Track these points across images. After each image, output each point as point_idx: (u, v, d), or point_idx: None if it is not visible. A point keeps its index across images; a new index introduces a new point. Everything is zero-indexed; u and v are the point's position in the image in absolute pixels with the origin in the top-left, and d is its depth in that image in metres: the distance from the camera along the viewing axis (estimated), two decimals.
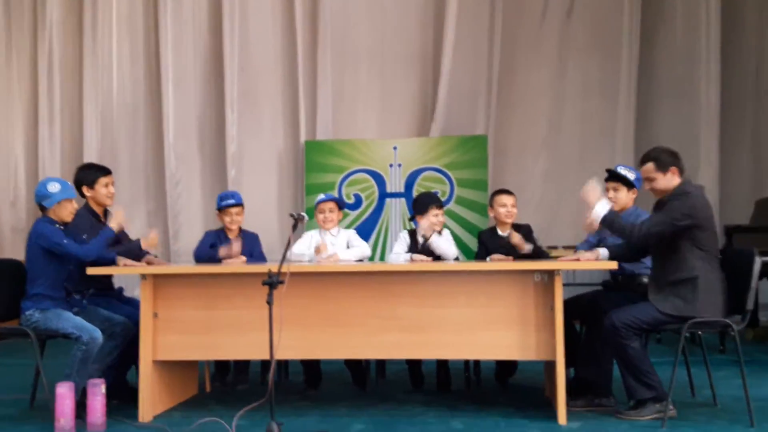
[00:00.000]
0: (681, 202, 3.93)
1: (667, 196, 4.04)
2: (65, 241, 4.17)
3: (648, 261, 4.37)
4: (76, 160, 8.28)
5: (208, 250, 5.07)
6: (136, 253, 4.64)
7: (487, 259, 4.79)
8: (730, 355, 5.80)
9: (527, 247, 4.71)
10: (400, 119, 8.34)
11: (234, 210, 5.16)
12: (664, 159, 4.07)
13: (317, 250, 4.94)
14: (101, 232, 4.32)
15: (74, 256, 4.20)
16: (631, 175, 4.52)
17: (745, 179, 7.97)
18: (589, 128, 8.20)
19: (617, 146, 8.03)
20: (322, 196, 5.20)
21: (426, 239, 4.89)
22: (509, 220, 4.95)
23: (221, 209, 5.20)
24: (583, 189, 4.15)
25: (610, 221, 4.04)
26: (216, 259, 4.98)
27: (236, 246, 4.96)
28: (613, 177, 4.55)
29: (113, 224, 4.38)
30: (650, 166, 4.09)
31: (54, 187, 4.24)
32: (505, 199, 4.95)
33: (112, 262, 4.41)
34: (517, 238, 4.74)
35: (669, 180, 4.05)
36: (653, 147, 4.29)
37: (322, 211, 5.09)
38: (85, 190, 4.62)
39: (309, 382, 4.95)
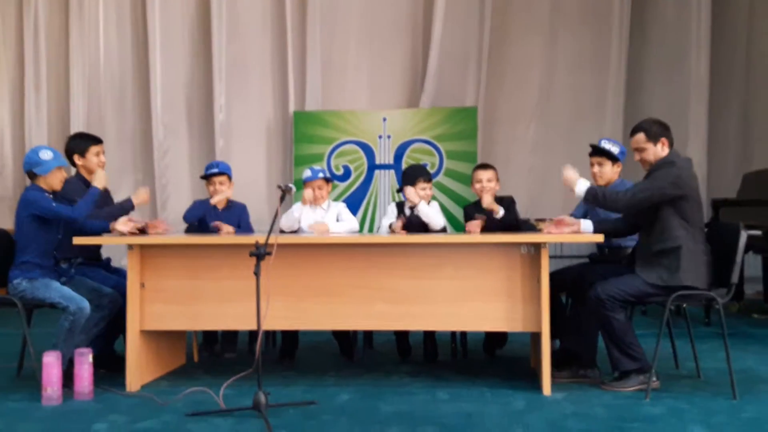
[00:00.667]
0: (667, 171, 3.95)
1: (653, 165, 4.05)
2: (54, 204, 4.16)
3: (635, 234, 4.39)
4: (63, 129, 8.25)
5: (199, 214, 5.09)
6: (126, 212, 4.61)
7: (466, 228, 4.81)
8: (714, 328, 5.86)
9: (500, 211, 4.72)
10: (390, 90, 8.32)
11: (217, 179, 5.12)
12: (655, 130, 4.07)
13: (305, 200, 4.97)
14: (88, 191, 4.32)
15: (66, 217, 4.18)
16: (614, 149, 4.52)
17: (733, 152, 8.01)
18: (579, 99, 8.20)
19: (607, 117, 8.05)
20: (308, 173, 5.08)
21: (413, 207, 4.90)
22: (487, 194, 4.91)
23: (205, 178, 5.19)
24: (563, 177, 4.15)
25: (593, 195, 4.05)
26: (205, 225, 5.03)
27: (227, 228, 4.99)
28: (597, 152, 4.56)
29: (98, 183, 4.38)
30: (641, 136, 4.09)
31: (47, 155, 4.23)
32: (480, 174, 4.93)
33: (103, 230, 4.41)
34: (487, 202, 4.73)
35: (659, 151, 4.06)
36: (644, 119, 4.29)
37: (311, 189, 5.03)
38: (76, 158, 4.62)
39: (285, 351, 4.96)
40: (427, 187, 4.96)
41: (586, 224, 4.24)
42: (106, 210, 4.53)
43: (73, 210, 4.19)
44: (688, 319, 4.55)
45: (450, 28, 8.06)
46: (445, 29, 8.03)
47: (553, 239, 4.12)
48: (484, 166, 5.02)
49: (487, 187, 4.87)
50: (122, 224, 4.43)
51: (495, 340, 5.00)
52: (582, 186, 4.08)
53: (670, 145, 4.08)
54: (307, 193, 4.98)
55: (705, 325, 6.06)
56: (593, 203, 4.12)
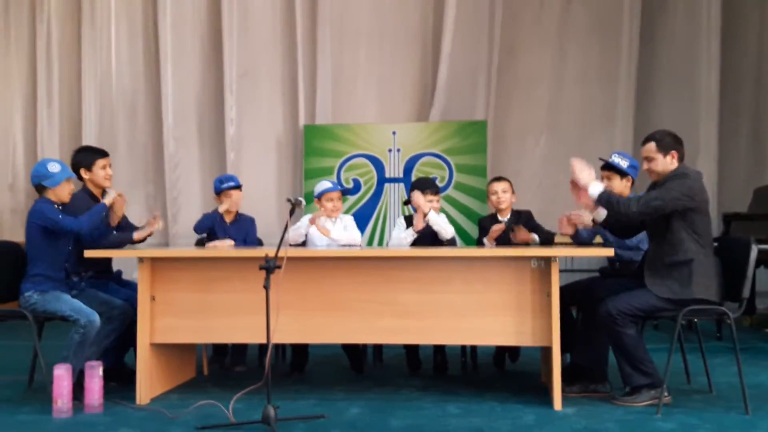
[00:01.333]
0: (680, 182, 3.92)
1: (665, 177, 4.03)
2: (60, 217, 4.18)
3: (645, 247, 4.38)
4: (75, 142, 8.30)
5: (208, 226, 5.17)
6: (127, 242, 4.66)
7: (484, 240, 4.80)
8: (726, 343, 5.83)
9: (534, 239, 4.73)
10: (400, 104, 8.33)
11: (234, 192, 5.16)
12: (667, 141, 4.06)
13: (312, 221, 5.00)
14: (94, 207, 4.35)
15: (69, 230, 4.19)
16: (624, 163, 4.50)
17: (743, 167, 7.98)
18: (588, 113, 8.19)
19: (616, 131, 8.03)
20: (329, 184, 5.12)
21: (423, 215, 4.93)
22: (503, 207, 4.96)
23: (222, 192, 5.21)
24: (572, 169, 4.10)
25: (606, 199, 4.00)
26: (214, 237, 5.14)
27: (227, 243, 5.06)
28: (606, 166, 4.55)
29: (107, 200, 4.41)
30: (652, 145, 4.08)
31: (54, 167, 4.25)
32: (495, 186, 4.97)
33: (118, 245, 4.47)
34: (523, 234, 4.72)
35: (667, 163, 4.05)
36: (658, 129, 4.28)
37: (330, 200, 5.04)
38: (82, 172, 4.63)
39: (295, 364, 4.98)
40: (434, 199, 4.97)
41: (596, 187, 4.06)
42: (117, 237, 4.58)
43: (77, 222, 4.20)
44: (700, 334, 4.52)
45: (459, 42, 8.08)
46: (454, 43, 8.05)
47: (563, 253, 4.11)
48: (498, 178, 5.05)
49: (504, 198, 4.89)
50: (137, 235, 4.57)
51: (507, 353, 4.98)
52: (595, 188, 4.04)
53: (680, 159, 4.06)
54: (320, 217, 5.02)
55: (717, 339, 6.03)
56: (605, 206, 4.06)
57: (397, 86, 8.33)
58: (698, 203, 3.94)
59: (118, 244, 4.57)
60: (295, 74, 8.29)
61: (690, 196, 3.90)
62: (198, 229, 5.20)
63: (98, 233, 4.40)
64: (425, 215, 4.89)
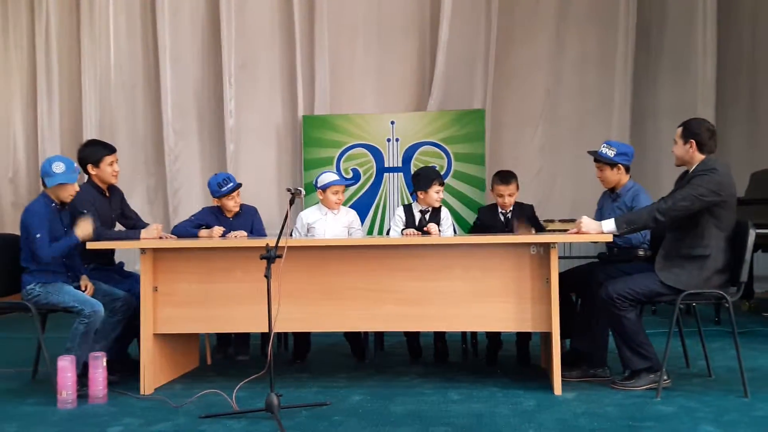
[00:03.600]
0: (709, 177, 3.90)
1: (693, 170, 4.02)
2: (38, 235, 4.12)
3: (645, 234, 4.40)
4: (76, 135, 8.32)
5: (189, 229, 5.03)
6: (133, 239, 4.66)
7: None
8: (724, 327, 5.85)
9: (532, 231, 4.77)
10: (398, 93, 8.34)
11: (235, 193, 5.11)
12: (692, 130, 4.04)
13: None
14: (65, 239, 4.21)
15: (36, 251, 4.13)
16: (611, 152, 4.48)
17: (740, 151, 7.96)
18: (586, 100, 8.19)
19: (614, 118, 8.02)
20: (334, 176, 5.06)
21: (423, 210, 4.94)
22: (506, 210, 4.97)
23: (223, 196, 5.08)
24: (580, 230, 4.02)
25: (625, 225, 3.96)
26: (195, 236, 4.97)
27: (217, 231, 4.90)
28: (595, 158, 4.56)
29: (78, 232, 4.24)
30: (680, 129, 4.11)
31: (58, 168, 4.18)
32: (501, 189, 4.92)
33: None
34: (523, 229, 4.72)
35: (685, 150, 4.05)
36: (696, 117, 4.28)
37: (335, 192, 5.01)
38: (89, 168, 4.62)
39: (297, 353, 5.02)
40: (440, 190, 4.97)
41: (608, 225, 4.15)
42: (114, 234, 4.58)
43: (43, 248, 4.12)
44: (699, 318, 4.55)
45: (457, 31, 8.07)
46: (451, 32, 8.04)
47: (562, 239, 4.13)
48: (506, 180, 4.93)
49: (509, 201, 4.92)
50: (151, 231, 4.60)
51: (494, 349, 4.95)
52: (608, 226, 3.98)
53: (702, 150, 4.02)
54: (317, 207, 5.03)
55: (715, 323, 6.06)
56: (631, 231, 4.04)
57: (395, 76, 8.33)
58: (725, 197, 3.93)
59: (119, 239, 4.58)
60: (294, 65, 8.30)
61: (716, 192, 3.89)
62: (178, 231, 5.07)
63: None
64: (424, 211, 4.93)
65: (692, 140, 4.03)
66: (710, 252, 3.94)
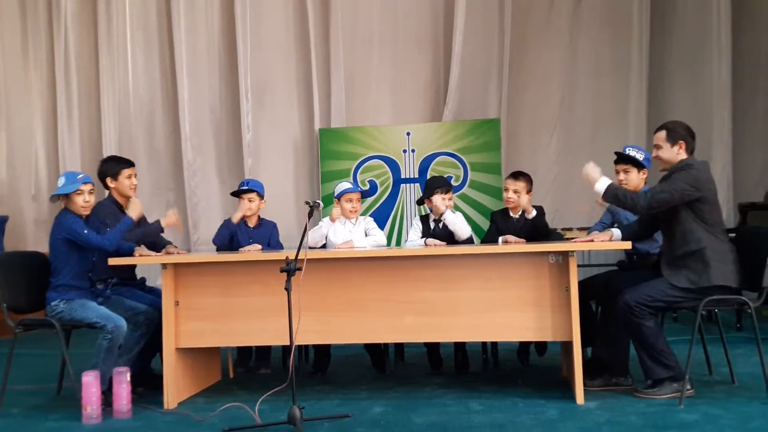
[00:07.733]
0: (685, 173, 3.97)
1: (670, 169, 4.07)
2: (85, 231, 4.25)
3: (661, 239, 4.39)
4: (96, 152, 8.40)
5: (228, 233, 5.16)
6: (155, 234, 4.76)
7: (499, 239, 4.82)
8: (746, 333, 5.81)
9: (532, 212, 4.84)
10: (413, 105, 8.37)
11: (247, 195, 5.20)
12: (677, 131, 4.10)
13: (332, 219, 5.05)
14: (120, 222, 4.42)
15: (95, 246, 4.27)
16: (639, 156, 4.52)
17: (758, 156, 7.92)
18: (601, 108, 8.18)
19: (630, 125, 8.01)
20: (349, 185, 5.17)
21: (438, 220, 4.95)
22: (511, 206, 4.97)
23: (235, 194, 5.29)
24: (582, 173, 4.17)
25: (613, 193, 4.07)
26: (237, 243, 5.12)
27: (256, 247, 5.04)
28: (622, 159, 4.57)
29: (132, 213, 4.48)
30: (662, 133, 4.13)
31: (60, 182, 4.34)
32: (508, 183, 4.97)
33: (130, 253, 4.50)
34: (524, 203, 4.82)
35: (674, 153, 4.08)
36: (674, 119, 4.31)
37: (349, 200, 5.08)
38: (108, 181, 4.73)
39: (318, 365, 5.04)
40: (446, 197, 4.99)
41: (617, 233, 4.26)
42: (135, 232, 4.61)
43: (103, 239, 4.27)
44: (721, 324, 4.53)
45: (470, 41, 8.10)
46: (465, 42, 8.07)
47: (580, 247, 4.13)
48: (515, 176, 4.98)
49: (512, 198, 4.90)
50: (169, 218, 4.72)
51: (535, 346, 4.99)
52: (602, 184, 4.09)
53: (688, 151, 4.09)
54: (335, 212, 5.05)
55: (737, 329, 6.02)
56: (613, 201, 4.14)
57: (410, 87, 8.37)
58: (704, 192, 3.97)
59: (148, 235, 4.66)
60: (310, 79, 8.35)
61: (695, 187, 3.93)
62: (217, 241, 5.20)
63: (126, 250, 4.48)
64: (441, 214, 4.93)
65: (681, 141, 4.08)
66: (704, 244, 3.94)
